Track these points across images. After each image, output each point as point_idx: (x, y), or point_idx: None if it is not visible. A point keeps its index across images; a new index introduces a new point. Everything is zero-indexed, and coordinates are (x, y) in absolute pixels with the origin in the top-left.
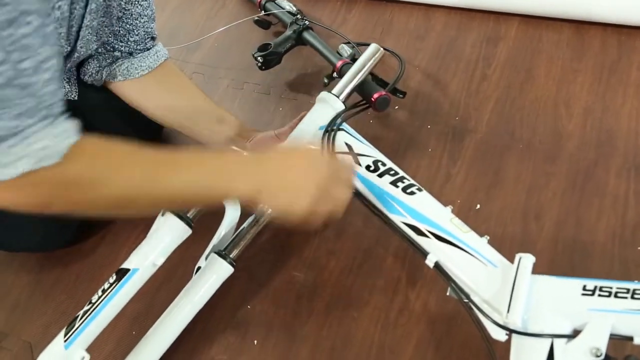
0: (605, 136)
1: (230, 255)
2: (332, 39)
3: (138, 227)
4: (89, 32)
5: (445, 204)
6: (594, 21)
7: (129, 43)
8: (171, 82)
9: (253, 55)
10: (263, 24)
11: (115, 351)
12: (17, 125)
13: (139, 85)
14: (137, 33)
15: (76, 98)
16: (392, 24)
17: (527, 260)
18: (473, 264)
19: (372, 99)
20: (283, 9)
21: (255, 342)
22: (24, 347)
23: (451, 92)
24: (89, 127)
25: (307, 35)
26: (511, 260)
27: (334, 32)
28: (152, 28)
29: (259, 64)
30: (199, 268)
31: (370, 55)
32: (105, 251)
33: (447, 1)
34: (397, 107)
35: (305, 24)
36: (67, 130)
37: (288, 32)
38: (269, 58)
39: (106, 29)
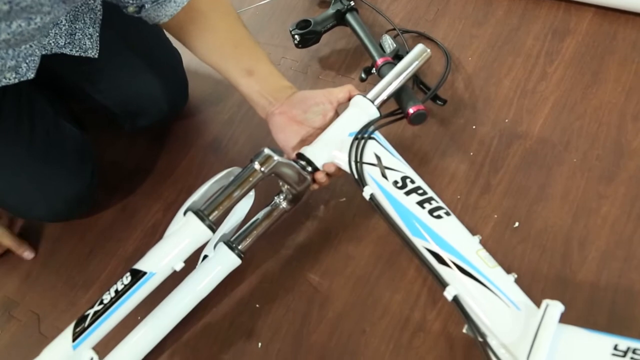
0: None
1: (239, 247)
2: (379, 16)
3: (157, 201)
4: None
5: (480, 218)
6: None
7: None
8: (201, 24)
9: (290, 32)
10: None
11: (118, 335)
12: None
13: (173, 26)
14: None
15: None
16: (449, 4)
17: (554, 308)
18: (495, 303)
19: (408, 113)
20: None
21: (260, 344)
22: (32, 319)
23: (504, 89)
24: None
25: (350, 17)
26: (538, 302)
27: (382, 15)
28: None
29: (296, 42)
30: (205, 256)
31: (413, 58)
32: (122, 225)
33: None
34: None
35: (350, 4)
36: None
37: (331, 11)
38: (307, 37)
39: None
